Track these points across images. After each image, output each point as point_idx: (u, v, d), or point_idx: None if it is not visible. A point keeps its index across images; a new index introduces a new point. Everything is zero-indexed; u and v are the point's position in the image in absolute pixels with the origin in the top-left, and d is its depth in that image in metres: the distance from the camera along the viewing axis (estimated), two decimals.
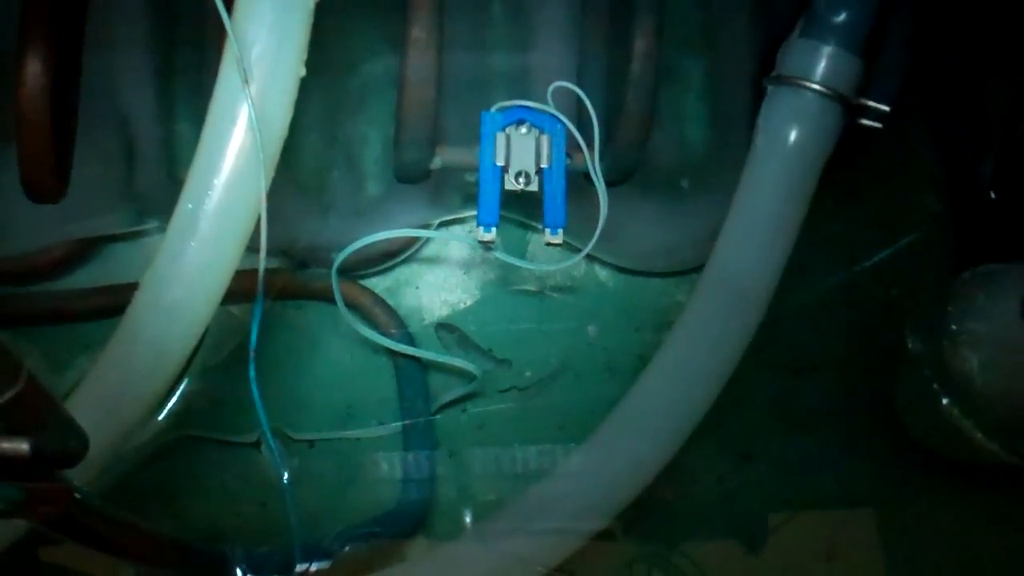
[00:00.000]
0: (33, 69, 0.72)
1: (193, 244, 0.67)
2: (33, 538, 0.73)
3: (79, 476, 0.52)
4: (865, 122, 0.82)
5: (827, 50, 0.79)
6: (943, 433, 0.85)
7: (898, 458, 0.94)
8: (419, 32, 0.76)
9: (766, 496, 0.94)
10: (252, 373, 0.73)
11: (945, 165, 0.97)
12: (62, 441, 0.48)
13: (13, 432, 0.44)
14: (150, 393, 0.71)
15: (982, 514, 0.94)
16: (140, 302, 0.69)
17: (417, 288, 0.95)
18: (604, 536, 0.84)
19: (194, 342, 0.70)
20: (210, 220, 0.67)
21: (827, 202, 0.83)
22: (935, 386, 0.82)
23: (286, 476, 0.89)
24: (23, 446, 0.44)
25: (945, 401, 0.82)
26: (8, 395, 0.43)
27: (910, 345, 0.85)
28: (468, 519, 0.91)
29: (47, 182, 0.77)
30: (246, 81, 0.65)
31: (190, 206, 0.67)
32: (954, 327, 0.81)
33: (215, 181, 0.66)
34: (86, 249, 0.94)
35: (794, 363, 0.96)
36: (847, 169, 0.84)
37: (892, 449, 0.94)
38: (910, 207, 0.98)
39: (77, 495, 0.51)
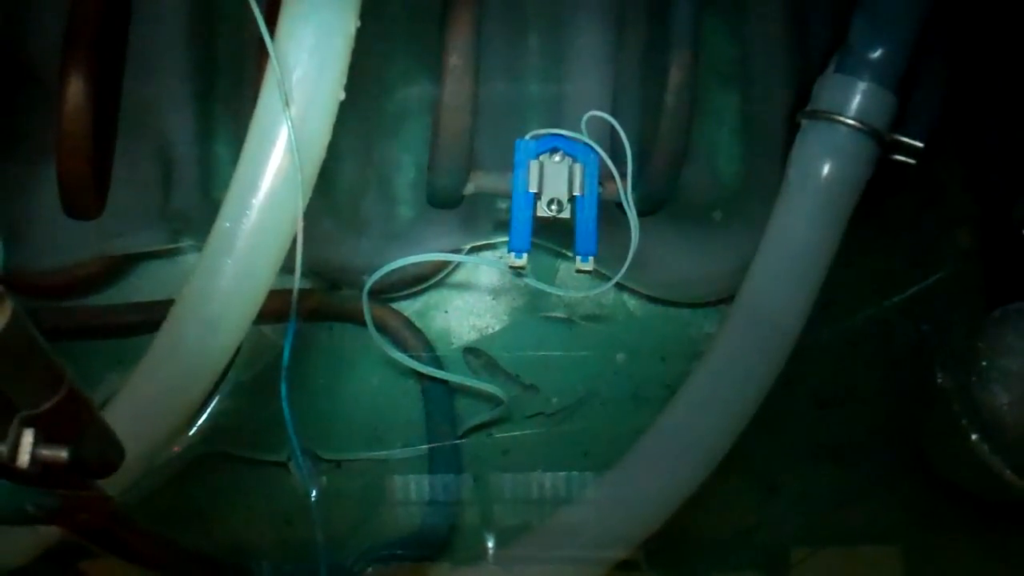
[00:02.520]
0: (75, 89, 0.74)
1: (230, 261, 0.68)
2: (62, 550, 0.74)
3: (110, 487, 0.53)
4: (899, 158, 0.82)
5: (862, 85, 0.80)
6: (972, 469, 0.84)
7: (925, 495, 0.94)
8: (456, 59, 0.77)
9: (790, 530, 0.93)
10: (284, 392, 0.74)
11: (978, 203, 0.97)
12: (100, 451, 0.49)
13: (52, 439, 0.44)
14: (183, 407, 0.72)
15: (1009, 553, 0.93)
16: (177, 316, 0.70)
17: (446, 312, 0.95)
18: (626, 566, 0.84)
19: (228, 358, 0.71)
20: (247, 238, 0.68)
21: (859, 236, 0.82)
22: (964, 422, 0.82)
23: (314, 495, 0.89)
24: (62, 453, 0.44)
25: (974, 437, 0.82)
26: (50, 403, 0.44)
27: (940, 381, 0.85)
28: (491, 544, 0.91)
29: (85, 199, 0.78)
30: (287, 103, 0.66)
31: (228, 224, 0.68)
32: (984, 364, 0.81)
33: (253, 200, 0.67)
34: (122, 266, 0.95)
35: (821, 396, 0.96)
36: (880, 204, 0.84)
37: (919, 486, 0.94)
38: (942, 244, 0.97)
39: (112, 505, 0.51)
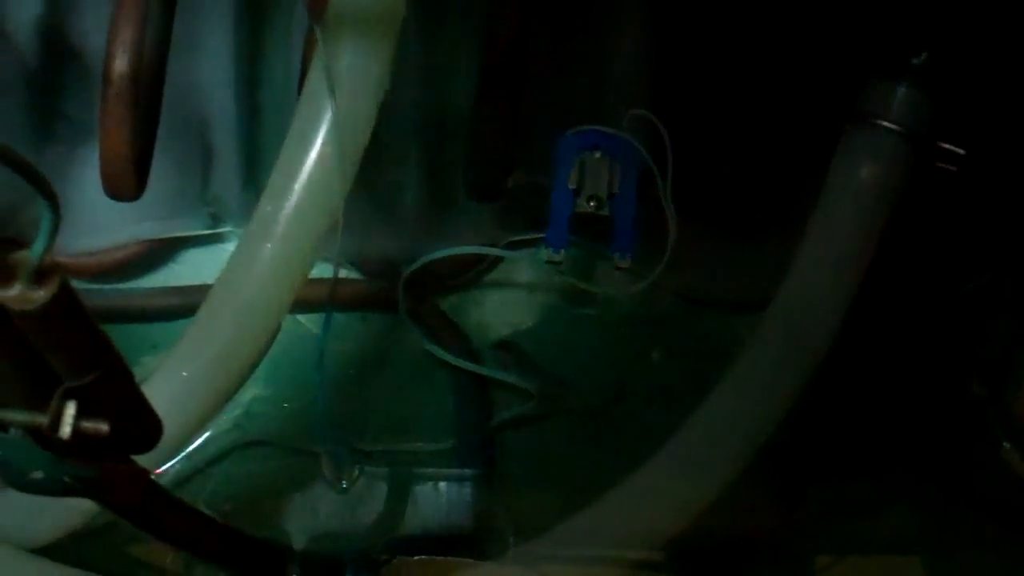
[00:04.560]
0: (119, 69, 0.74)
1: (269, 246, 0.69)
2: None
3: (145, 464, 0.53)
4: (940, 164, 0.82)
5: (903, 91, 0.80)
6: (1002, 479, 0.83)
7: (950, 505, 0.93)
8: (502, 52, 0.77)
9: (814, 537, 0.93)
10: (319, 380, 0.74)
11: (1018, 212, 0.96)
12: (140, 426, 0.49)
13: (94, 412, 0.44)
14: (217, 391, 0.72)
15: None
16: (214, 301, 0.70)
17: (481, 306, 0.96)
18: (649, 566, 0.83)
19: (264, 343, 0.72)
20: (287, 224, 0.68)
21: (896, 241, 0.82)
22: (997, 431, 0.81)
23: (343, 484, 0.89)
24: (103, 426, 0.44)
25: (1006, 446, 0.81)
26: (93, 376, 0.44)
27: (974, 389, 0.85)
28: (514, 540, 0.91)
29: (126, 178, 0.79)
30: (332, 91, 0.66)
31: (269, 208, 0.68)
32: (1019, 374, 0.80)
33: (295, 186, 0.68)
34: (162, 251, 0.96)
35: (849, 403, 0.95)
36: (918, 210, 0.84)
37: (944, 496, 0.93)
38: (978, 252, 0.97)
39: (149, 481, 0.52)
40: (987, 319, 0.95)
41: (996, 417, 0.82)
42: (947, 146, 0.81)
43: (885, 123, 0.79)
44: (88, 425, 0.44)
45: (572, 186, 0.79)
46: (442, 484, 0.92)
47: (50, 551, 0.75)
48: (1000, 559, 0.92)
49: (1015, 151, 0.93)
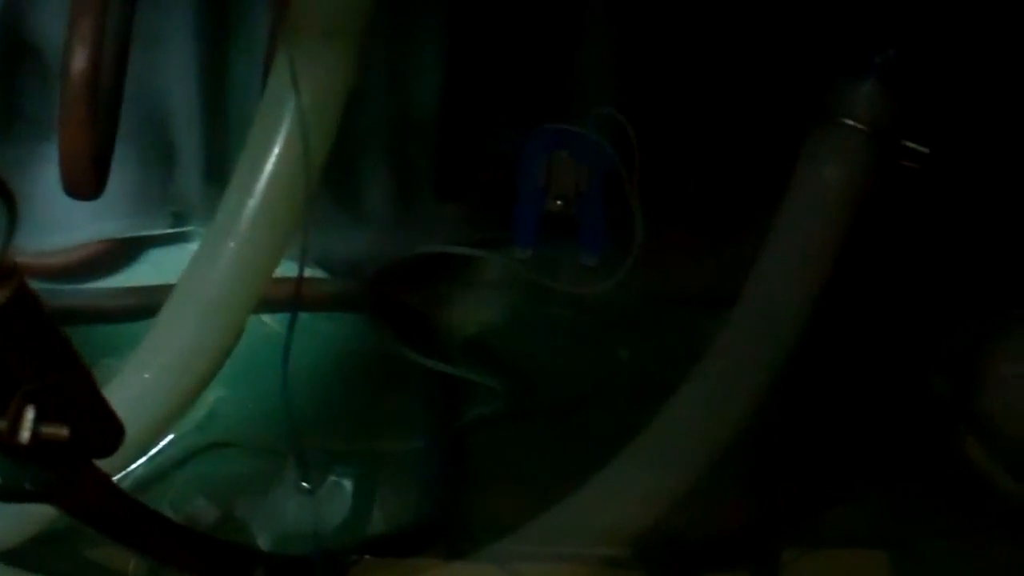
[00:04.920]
0: (78, 65, 0.73)
1: (232, 245, 0.68)
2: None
3: (106, 469, 0.53)
4: (904, 163, 0.82)
5: (868, 90, 0.80)
6: (965, 473, 0.84)
7: (915, 499, 0.93)
8: (468, 52, 0.77)
9: (780, 530, 0.93)
10: (285, 381, 0.74)
11: (980, 209, 0.97)
12: (101, 430, 0.48)
13: (54, 416, 0.44)
14: (181, 393, 0.72)
15: (998, 558, 0.93)
16: (177, 301, 0.70)
17: (449, 305, 0.95)
18: (618, 563, 0.84)
19: (229, 344, 0.71)
20: (251, 222, 0.68)
21: (860, 238, 0.82)
22: (960, 426, 0.82)
23: (309, 485, 0.89)
24: (63, 431, 0.44)
25: (970, 441, 0.82)
26: (52, 379, 0.43)
27: (936, 384, 0.85)
28: (482, 539, 0.91)
29: (86, 177, 0.78)
30: (296, 87, 0.66)
31: (232, 206, 0.68)
32: (981, 370, 0.81)
33: (259, 184, 0.67)
34: (123, 250, 0.94)
35: (815, 397, 0.96)
36: (882, 208, 0.84)
37: (910, 490, 0.93)
38: (941, 248, 0.97)
39: (111, 485, 0.51)
40: (950, 315, 0.96)
41: (959, 412, 0.82)
42: (912, 144, 0.81)
43: (850, 121, 0.80)
44: (48, 430, 0.43)
45: (540, 185, 0.79)
46: (410, 484, 0.91)
47: (10, 557, 0.74)
48: (964, 552, 0.92)
49: (980, 147, 0.94)
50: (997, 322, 0.83)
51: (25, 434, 0.42)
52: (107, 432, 0.49)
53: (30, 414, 0.43)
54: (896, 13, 0.81)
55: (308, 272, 0.90)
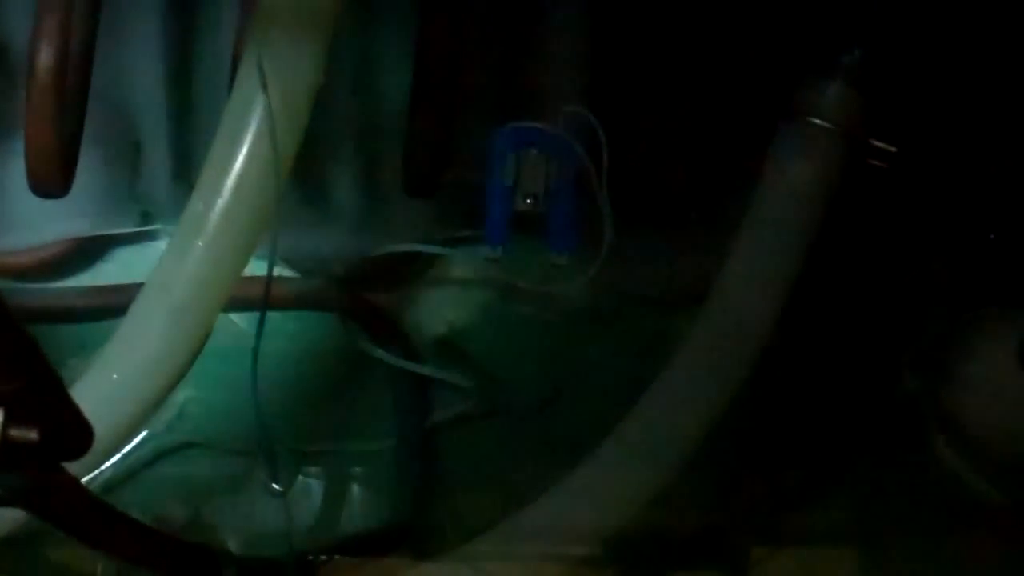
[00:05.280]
0: (44, 61, 0.73)
1: (201, 244, 0.67)
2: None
3: (74, 471, 0.52)
4: (872, 161, 0.83)
5: (836, 88, 0.80)
6: (935, 473, 0.85)
7: (886, 498, 0.94)
8: (437, 47, 0.77)
9: (751, 529, 0.94)
10: (254, 381, 0.73)
11: (949, 206, 0.98)
12: (70, 432, 0.48)
13: (22, 419, 0.43)
14: (149, 394, 0.71)
15: (967, 557, 0.93)
16: (145, 300, 0.69)
17: (418, 304, 0.95)
18: (589, 562, 0.84)
19: (197, 344, 0.70)
20: (219, 220, 0.67)
21: (829, 237, 0.83)
22: (930, 425, 0.83)
23: (279, 486, 0.88)
24: (32, 434, 0.43)
25: (940, 440, 0.83)
26: (20, 382, 0.43)
27: (907, 383, 0.86)
28: (454, 539, 0.91)
29: (52, 174, 0.77)
30: (264, 85, 0.65)
31: (201, 206, 0.67)
32: (952, 368, 0.82)
33: (227, 182, 0.67)
34: (89, 249, 0.94)
35: (785, 396, 0.96)
36: (851, 207, 0.85)
37: (880, 488, 0.94)
38: (911, 245, 0.98)
39: (80, 488, 0.51)
40: (920, 312, 0.97)
41: (929, 411, 0.83)
42: (879, 143, 0.82)
43: (819, 121, 0.80)
44: (16, 432, 0.43)
45: (509, 183, 0.79)
46: (381, 484, 0.91)
47: None
48: (935, 551, 0.93)
49: (949, 145, 0.95)
50: (967, 320, 0.84)
51: None
52: (76, 434, 0.49)
53: None
54: (864, 12, 0.81)
55: (277, 271, 0.89)
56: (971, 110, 0.93)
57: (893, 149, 0.83)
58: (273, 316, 0.89)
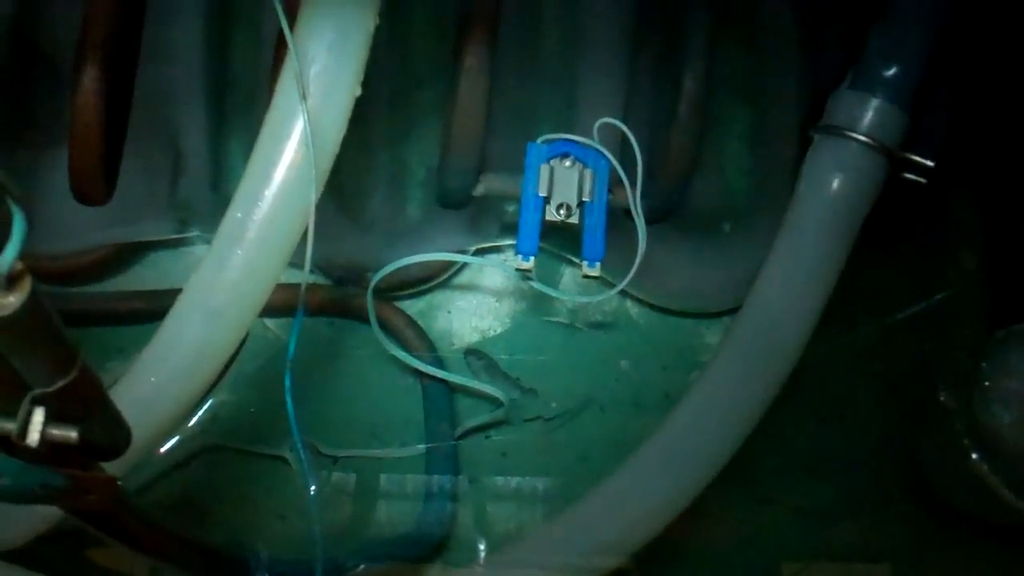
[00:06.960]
0: (89, 80, 0.74)
1: (239, 252, 0.68)
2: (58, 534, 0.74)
3: (110, 472, 0.53)
4: (908, 176, 0.82)
5: (875, 103, 0.80)
6: (970, 488, 0.84)
7: (920, 513, 0.94)
8: (472, 61, 0.77)
9: (783, 543, 0.93)
10: (287, 385, 0.74)
11: (983, 223, 0.97)
12: (108, 433, 0.49)
13: (62, 419, 0.44)
14: (185, 397, 0.72)
15: (1002, 573, 0.93)
16: (183, 305, 0.70)
17: (449, 312, 0.95)
18: (619, 575, 0.84)
19: (233, 349, 0.71)
20: (258, 229, 0.68)
21: (865, 253, 0.83)
22: (965, 441, 0.82)
23: (312, 490, 0.89)
24: (72, 434, 0.44)
25: (974, 456, 0.82)
26: (62, 383, 0.44)
27: (942, 399, 0.85)
28: (483, 547, 0.91)
29: (94, 185, 0.78)
30: (303, 97, 0.66)
31: (239, 214, 0.68)
32: (987, 384, 0.81)
33: (266, 192, 0.68)
34: (128, 255, 0.95)
35: (821, 411, 0.96)
36: (887, 222, 0.84)
37: (914, 504, 0.94)
38: (946, 262, 0.98)
39: (117, 488, 0.51)
40: (954, 329, 0.96)
41: (964, 427, 0.82)
42: (915, 157, 0.82)
43: (856, 135, 0.80)
44: (56, 432, 0.44)
45: (542, 194, 0.79)
46: (411, 491, 0.92)
47: (14, 556, 0.74)
48: (971, 568, 0.93)
49: (987, 161, 0.95)
50: (1002, 336, 0.83)
51: (34, 436, 0.43)
52: (115, 435, 0.50)
53: (39, 417, 0.43)
54: (905, 29, 0.81)
55: (311, 278, 0.90)
56: (1008, 125, 0.93)
57: (931, 164, 0.82)
58: (306, 322, 0.90)
